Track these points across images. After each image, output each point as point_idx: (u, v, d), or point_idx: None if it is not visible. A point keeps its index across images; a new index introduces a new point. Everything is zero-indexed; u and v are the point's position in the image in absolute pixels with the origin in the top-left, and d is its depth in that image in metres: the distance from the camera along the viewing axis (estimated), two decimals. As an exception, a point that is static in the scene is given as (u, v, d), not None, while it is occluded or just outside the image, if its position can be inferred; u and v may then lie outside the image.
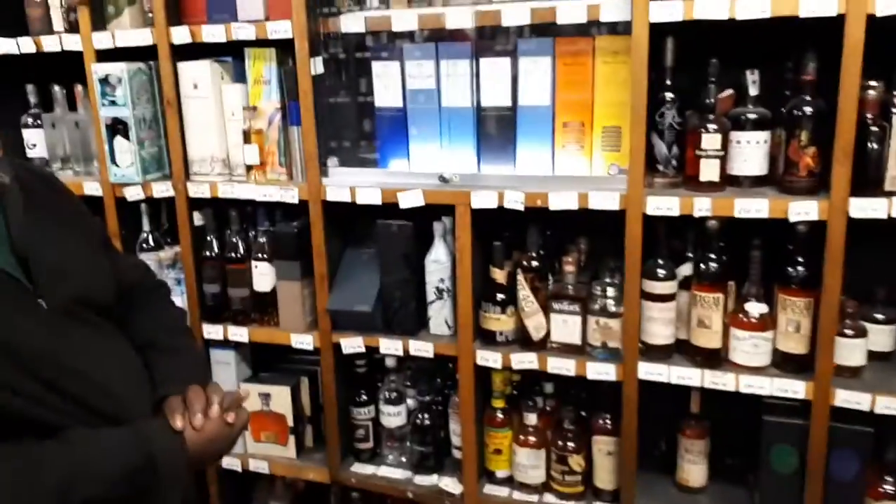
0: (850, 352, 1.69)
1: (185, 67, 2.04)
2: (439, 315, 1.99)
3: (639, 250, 1.72)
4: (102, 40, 2.06)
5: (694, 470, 1.97)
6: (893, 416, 1.63)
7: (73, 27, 2.10)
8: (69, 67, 2.16)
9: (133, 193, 2.14)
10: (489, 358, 1.92)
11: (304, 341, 2.11)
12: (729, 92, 1.69)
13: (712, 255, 1.73)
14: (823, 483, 1.72)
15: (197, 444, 1.19)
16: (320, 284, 2.06)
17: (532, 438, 1.99)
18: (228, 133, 2.07)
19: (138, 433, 1.14)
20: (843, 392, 1.65)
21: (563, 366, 1.86)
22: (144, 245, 2.22)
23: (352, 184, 1.94)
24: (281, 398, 2.22)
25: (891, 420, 1.66)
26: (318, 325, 2.10)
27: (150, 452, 1.12)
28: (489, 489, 2.07)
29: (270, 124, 2.00)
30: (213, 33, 1.95)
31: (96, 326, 1.21)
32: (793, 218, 1.59)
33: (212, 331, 2.20)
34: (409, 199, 1.87)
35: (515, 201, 1.78)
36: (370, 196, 1.91)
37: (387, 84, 1.90)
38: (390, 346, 2.01)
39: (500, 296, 1.91)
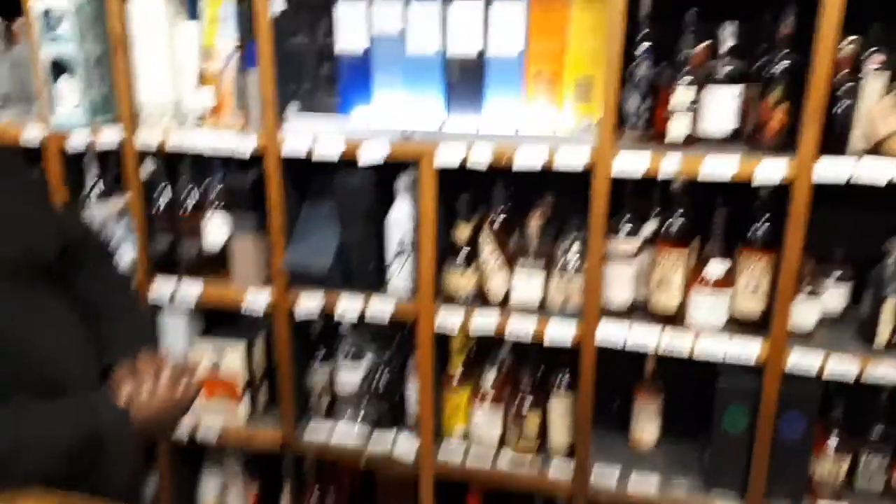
0: (805, 312, 1.71)
1: (135, 2, 1.92)
2: (400, 274, 1.95)
3: (605, 207, 1.70)
4: (44, -30, 1.92)
5: (647, 429, 1.99)
6: (840, 375, 1.67)
7: (11, -44, 1.96)
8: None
9: (79, 138, 2.02)
10: (449, 317, 1.89)
11: (258, 298, 2.04)
12: (704, 45, 1.66)
13: (677, 213, 1.72)
14: (772, 442, 1.75)
15: (146, 417, 1.10)
16: (276, 239, 1.98)
17: (489, 398, 1.98)
18: (181, 75, 1.96)
19: (83, 405, 1.06)
20: (797, 352, 1.68)
21: (523, 325, 1.84)
22: (91, 195, 2.11)
23: (312, 132, 1.86)
24: (233, 358, 2.14)
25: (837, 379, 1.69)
26: (272, 282, 2.03)
27: (96, 426, 1.03)
28: (445, 449, 2.05)
29: (227, 66, 1.90)
30: (166, -33, 1.85)
31: (34, 287, 1.11)
32: (761, 176, 1.58)
33: (162, 286, 2.11)
34: (372, 152, 1.81)
35: (483, 156, 1.74)
36: (331, 147, 1.84)
37: (350, 27, 1.81)
38: (348, 306, 1.96)
39: (462, 254, 1.87)
